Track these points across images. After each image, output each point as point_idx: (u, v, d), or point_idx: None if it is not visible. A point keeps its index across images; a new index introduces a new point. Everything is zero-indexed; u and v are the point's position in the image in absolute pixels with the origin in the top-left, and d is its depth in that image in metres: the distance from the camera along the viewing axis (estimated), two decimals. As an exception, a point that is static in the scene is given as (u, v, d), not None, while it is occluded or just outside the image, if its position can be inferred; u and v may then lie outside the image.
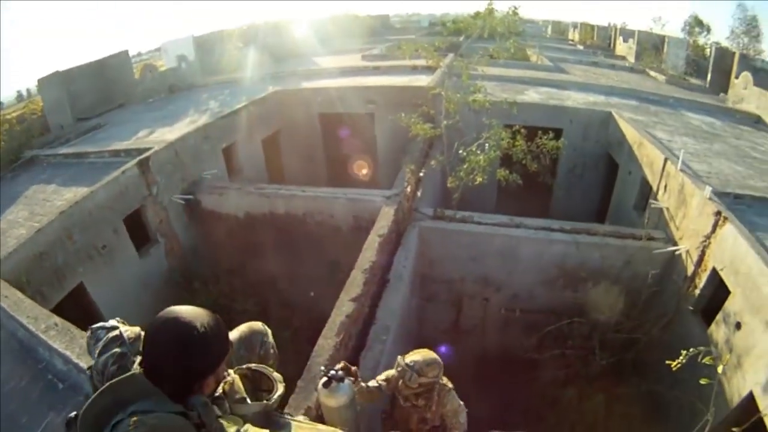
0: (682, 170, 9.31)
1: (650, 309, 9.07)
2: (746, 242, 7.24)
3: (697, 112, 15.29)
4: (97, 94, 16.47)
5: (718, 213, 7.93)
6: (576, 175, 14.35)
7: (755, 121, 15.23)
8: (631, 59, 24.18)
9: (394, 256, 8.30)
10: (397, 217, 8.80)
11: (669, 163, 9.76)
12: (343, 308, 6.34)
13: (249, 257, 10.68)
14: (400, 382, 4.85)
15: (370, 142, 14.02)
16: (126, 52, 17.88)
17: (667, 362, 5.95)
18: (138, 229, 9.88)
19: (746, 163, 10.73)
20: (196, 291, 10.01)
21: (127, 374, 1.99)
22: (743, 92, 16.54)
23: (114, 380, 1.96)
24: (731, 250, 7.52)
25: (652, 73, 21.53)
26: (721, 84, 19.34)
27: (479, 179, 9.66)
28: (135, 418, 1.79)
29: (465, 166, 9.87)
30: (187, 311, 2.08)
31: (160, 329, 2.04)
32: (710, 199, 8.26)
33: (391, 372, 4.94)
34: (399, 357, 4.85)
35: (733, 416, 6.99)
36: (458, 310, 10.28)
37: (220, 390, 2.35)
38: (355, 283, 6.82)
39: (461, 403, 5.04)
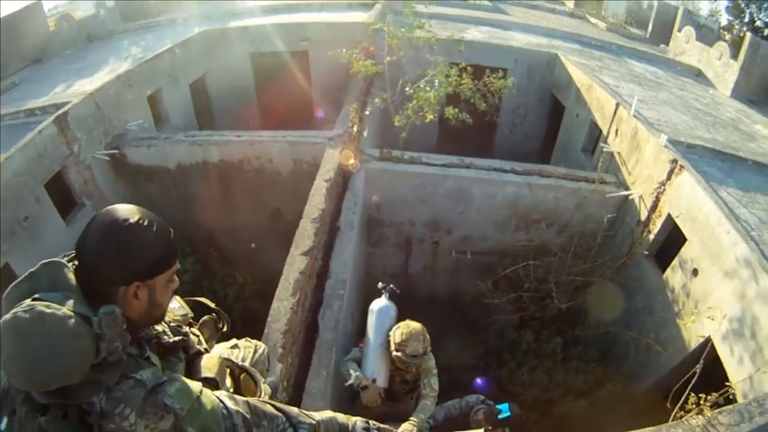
0: (635, 116, 9.01)
1: (604, 252, 8.85)
2: (704, 192, 7.13)
3: (640, 60, 14.96)
4: (9, 52, 14.67)
5: (674, 161, 7.76)
6: (519, 116, 13.88)
7: (696, 74, 15.12)
8: (570, 5, 23.41)
9: (342, 202, 7.49)
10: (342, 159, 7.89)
11: (621, 108, 9.46)
12: (296, 264, 5.48)
13: (184, 212, 9.59)
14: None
15: (306, 81, 12.96)
16: (39, 3, 16.00)
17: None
18: (61, 194, 8.55)
19: (692, 114, 10.54)
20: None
21: (49, 260, 1.74)
22: (685, 46, 16.37)
23: (37, 266, 1.73)
24: (688, 199, 7.39)
25: (593, 20, 20.86)
26: (662, 36, 18.95)
27: (430, 117, 8.88)
28: (28, 301, 1.56)
29: (413, 104, 9.01)
30: (126, 206, 1.82)
31: (93, 219, 1.79)
32: (666, 146, 8.05)
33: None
34: (394, 348, 4.92)
35: (690, 359, 6.82)
36: (407, 254, 9.64)
37: (169, 337, 2.07)
38: (306, 235, 5.96)
39: (434, 364, 5.19)
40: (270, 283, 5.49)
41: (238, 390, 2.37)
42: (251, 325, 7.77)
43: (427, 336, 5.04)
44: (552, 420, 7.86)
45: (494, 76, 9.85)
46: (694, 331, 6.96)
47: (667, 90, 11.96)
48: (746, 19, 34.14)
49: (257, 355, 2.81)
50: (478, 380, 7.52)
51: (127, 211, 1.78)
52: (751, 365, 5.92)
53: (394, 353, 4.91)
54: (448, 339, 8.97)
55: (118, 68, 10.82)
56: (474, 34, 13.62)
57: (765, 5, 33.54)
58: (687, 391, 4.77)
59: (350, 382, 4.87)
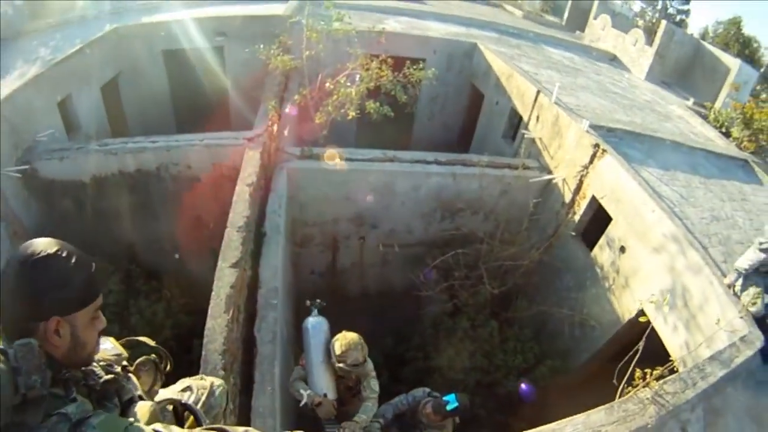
0: (556, 102, 9.21)
1: (531, 236, 9.08)
2: (627, 173, 7.46)
3: (557, 47, 15.35)
4: None
5: (597, 145, 8.04)
6: (438, 105, 13.90)
7: (611, 59, 15.81)
8: None
9: (266, 206, 7.20)
10: (263, 161, 7.64)
11: (542, 95, 9.65)
12: (225, 279, 5.20)
13: (103, 227, 8.98)
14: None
15: (222, 79, 12.38)
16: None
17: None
18: (-27, 218, 7.75)
19: (609, 98, 10.88)
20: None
21: None
22: (600, 32, 17.13)
23: None
24: (611, 181, 7.69)
25: (509, 8, 21.28)
26: (578, 23, 19.69)
27: (351, 114, 8.66)
28: None
29: (333, 99, 8.78)
30: (44, 240, 1.73)
31: (10, 256, 1.69)
32: (587, 131, 8.31)
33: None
34: (335, 360, 5.01)
35: (624, 331, 7.31)
36: (334, 252, 9.48)
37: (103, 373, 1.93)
38: (232, 246, 5.67)
39: (372, 367, 5.30)
40: (199, 295, 5.23)
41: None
42: (185, 340, 7.54)
43: (365, 344, 5.14)
44: (496, 400, 8.02)
45: (414, 67, 9.72)
46: (626, 305, 7.26)
47: (584, 75, 12.27)
48: (659, 6, 35.45)
49: (212, 397, 2.58)
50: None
51: (43, 244, 1.69)
52: (686, 332, 6.22)
53: (337, 365, 5.00)
54: (383, 334, 8.92)
55: (27, 72, 9.98)
56: (393, 24, 13.51)
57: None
58: (632, 366, 4.89)
59: (304, 401, 4.92)
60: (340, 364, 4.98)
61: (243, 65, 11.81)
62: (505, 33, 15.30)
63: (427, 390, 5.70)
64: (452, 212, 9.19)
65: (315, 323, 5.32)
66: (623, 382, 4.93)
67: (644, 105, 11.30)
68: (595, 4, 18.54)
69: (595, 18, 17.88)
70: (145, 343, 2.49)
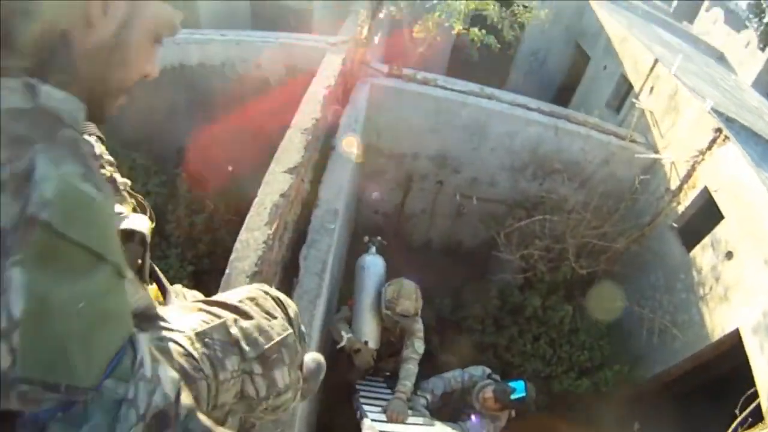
0: (676, 75, 7.96)
1: (625, 219, 7.91)
2: (751, 168, 6.26)
3: (666, 29, 13.89)
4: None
5: (719, 130, 6.84)
6: (538, 61, 12.80)
7: (718, 57, 14.40)
8: None
9: (339, 118, 6.04)
10: (344, 69, 6.45)
11: (660, 64, 8.44)
12: (276, 184, 3.92)
13: (154, 126, 8.09)
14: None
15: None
16: None
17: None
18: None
19: (720, 91, 9.56)
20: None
21: None
22: (711, 27, 15.95)
23: None
24: (731, 173, 6.53)
25: None
26: (686, 14, 18.41)
27: (458, 27, 7.43)
28: None
29: (436, 15, 7.53)
30: None
31: None
32: (709, 112, 7.11)
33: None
34: (384, 306, 4.77)
35: (710, 350, 6.31)
36: (405, 192, 8.33)
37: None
38: (292, 148, 4.43)
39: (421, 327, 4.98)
40: (246, 214, 4.09)
41: None
42: (221, 261, 6.56)
43: (420, 297, 4.91)
44: (548, 397, 7.00)
45: (525, 5, 8.64)
46: (719, 320, 6.23)
47: (694, 63, 10.89)
48: (766, 20, 32.92)
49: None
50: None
51: None
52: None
53: (384, 311, 4.77)
54: (441, 295, 7.90)
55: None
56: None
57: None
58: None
59: (342, 344, 4.68)
60: (388, 311, 4.74)
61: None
62: (615, 2, 13.84)
63: (488, 371, 5.10)
64: (546, 172, 7.98)
65: (372, 261, 5.13)
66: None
67: (752, 109, 9.92)
68: None
69: (707, 10, 16.78)
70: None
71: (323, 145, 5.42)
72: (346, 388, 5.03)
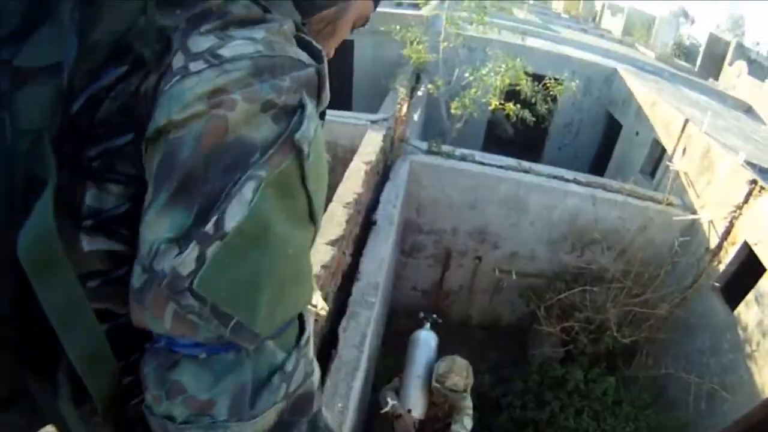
0: (707, 133, 8.05)
1: (665, 284, 7.75)
2: None
3: (693, 89, 14.05)
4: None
5: (754, 181, 6.82)
6: (572, 133, 12.90)
7: (746, 109, 14.27)
8: (618, 34, 22.56)
9: (379, 194, 6.15)
10: (385, 146, 6.59)
11: (690, 124, 8.53)
12: (318, 255, 3.97)
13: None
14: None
15: (348, 69, 11.59)
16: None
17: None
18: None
19: (752, 143, 9.56)
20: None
21: None
22: (736, 80, 15.98)
23: None
24: None
25: (641, 49, 20.03)
26: (710, 70, 18.40)
27: (494, 103, 7.62)
28: None
29: (473, 91, 7.69)
30: None
31: None
32: (743, 165, 7.13)
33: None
34: (435, 379, 4.82)
35: (761, 409, 5.98)
36: (444, 268, 8.25)
37: None
38: (335, 221, 4.50)
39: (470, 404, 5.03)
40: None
41: None
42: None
43: (471, 374, 4.96)
44: None
45: (556, 78, 8.89)
46: None
47: (724, 119, 10.93)
48: None
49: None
50: None
51: None
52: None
53: (434, 384, 4.78)
54: (480, 372, 7.72)
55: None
56: (530, 41, 12.45)
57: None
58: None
59: (386, 409, 4.74)
60: (438, 385, 4.75)
61: (372, 58, 10.97)
62: (642, 69, 14.16)
63: None
64: (584, 243, 7.91)
65: (426, 336, 5.25)
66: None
67: None
68: (731, 50, 17.43)
69: (730, 64, 16.83)
70: None
71: (364, 220, 5.49)
72: None
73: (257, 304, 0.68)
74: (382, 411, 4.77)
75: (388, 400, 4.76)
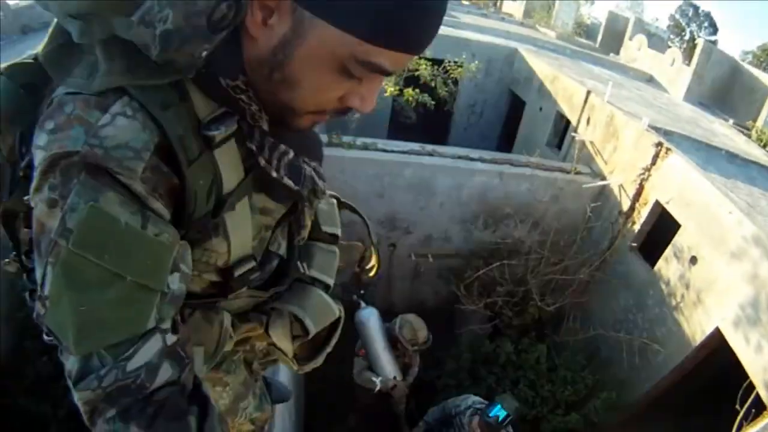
0: (609, 102, 8.31)
1: (582, 250, 7.91)
2: (698, 172, 6.50)
3: (594, 64, 14.47)
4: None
5: (659, 144, 7.08)
6: (476, 114, 12.98)
7: (648, 79, 15.01)
8: (519, 15, 23.05)
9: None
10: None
11: (593, 95, 8.76)
12: None
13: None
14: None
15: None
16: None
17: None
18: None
19: (655, 109, 9.98)
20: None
21: None
22: (637, 53, 16.53)
23: None
24: (680, 182, 6.70)
25: (542, 29, 20.48)
26: (611, 46, 18.91)
27: (389, 90, 7.59)
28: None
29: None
30: None
31: None
32: (647, 130, 7.38)
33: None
34: (409, 344, 5.30)
35: (694, 356, 6.28)
36: (360, 259, 7.94)
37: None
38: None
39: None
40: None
41: None
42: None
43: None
44: None
45: (455, 61, 8.94)
46: (697, 324, 6.27)
47: (626, 89, 11.31)
48: (686, 37, 34.54)
49: None
50: None
51: None
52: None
53: (411, 348, 5.32)
54: (411, 357, 7.64)
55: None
56: (429, 29, 12.46)
57: (705, 24, 34.01)
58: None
59: (378, 387, 5.09)
60: (415, 347, 5.31)
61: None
62: (543, 47, 14.47)
63: (477, 399, 5.07)
64: (497, 219, 7.92)
65: (370, 312, 5.44)
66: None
67: (690, 120, 10.38)
68: (631, 25, 17.94)
69: (630, 39, 17.35)
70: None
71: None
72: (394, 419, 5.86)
73: (67, 335, 0.88)
74: (375, 391, 5.11)
75: (373, 379, 5.10)
